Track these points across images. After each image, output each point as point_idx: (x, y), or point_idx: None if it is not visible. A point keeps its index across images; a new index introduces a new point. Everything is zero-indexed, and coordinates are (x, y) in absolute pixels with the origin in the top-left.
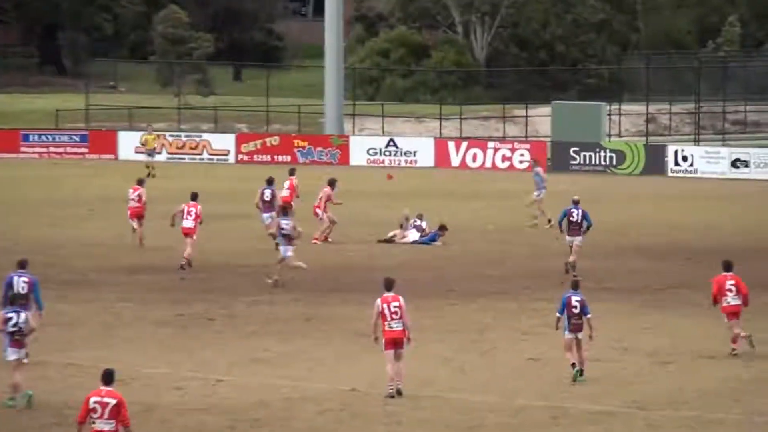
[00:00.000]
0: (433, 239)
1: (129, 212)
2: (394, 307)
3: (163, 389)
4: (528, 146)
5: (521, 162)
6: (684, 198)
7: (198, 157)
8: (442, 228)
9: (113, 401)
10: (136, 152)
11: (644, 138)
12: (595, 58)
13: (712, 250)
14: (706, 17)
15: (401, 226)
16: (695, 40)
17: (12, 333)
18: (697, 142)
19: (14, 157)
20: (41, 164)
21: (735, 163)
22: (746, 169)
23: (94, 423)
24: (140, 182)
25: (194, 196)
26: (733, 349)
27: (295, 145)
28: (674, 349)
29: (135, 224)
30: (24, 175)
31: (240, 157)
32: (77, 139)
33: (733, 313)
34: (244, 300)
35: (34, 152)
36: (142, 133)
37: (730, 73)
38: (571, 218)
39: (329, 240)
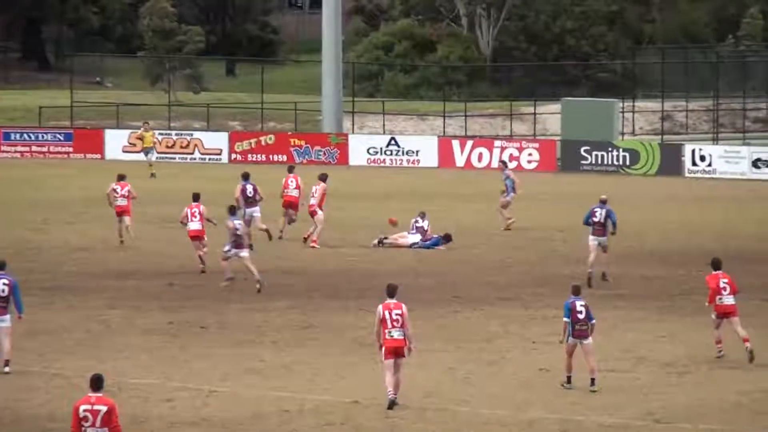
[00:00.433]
0: (436, 244)
1: (116, 210)
2: (396, 314)
3: (152, 401)
4: (537, 145)
5: (529, 162)
6: (702, 200)
7: (189, 156)
8: (447, 238)
9: (104, 408)
10: (124, 152)
11: (659, 136)
12: (608, 52)
13: (732, 255)
14: (724, 9)
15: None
16: (713, 33)
17: None
18: (715, 140)
19: None
20: (23, 164)
21: (756, 163)
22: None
23: None
24: (122, 177)
25: (196, 197)
26: (719, 351)
27: (292, 143)
28: (691, 359)
29: (128, 221)
30: (5, 176)
31: (233, 156)
32: (61, 137)
33: (729, 313)
34: (237, 307)
35: (15, 152)
36: (129, 131)
37: (751, 68)
38: (594, 218)
39: (312, 241)
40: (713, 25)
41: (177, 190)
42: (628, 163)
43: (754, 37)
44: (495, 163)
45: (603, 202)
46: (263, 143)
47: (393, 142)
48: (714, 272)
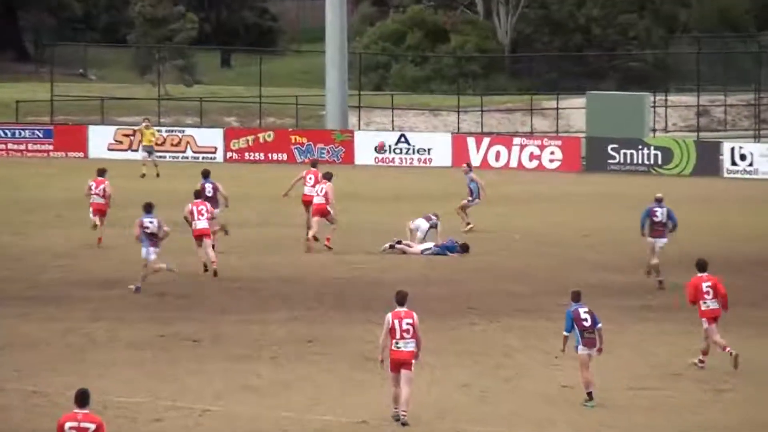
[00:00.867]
0: (450, 249)
1: (92, 208)
2: (407, 324)
3: (140, 421)
4: (559, 143)
5: (552, 161)
6: (741, 202)
7: (181, 154)
8: (465, 248)
9: (92, 426)
10: (109, 149)
11: (695, 133)
12: (637, 41)
13: None
14: None
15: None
16: (754, 21)
17: None
18: (757, 138)
19: None
20: None
21: None
22: None
23: None
24: (102, 173)
25: (198, 194)
26: (701, 361)
27: (293, 141)
28: (731, 374)
29: (97, 221)
30: None
31: (229, 155)
32: (41, 134)
33: (713, 318)
34: (233, 319)
35: None
36: (115, 128)
37: None
38: (654, 218)
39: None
40: (754, 11)
41: (167, 192)
42: (660, 162)
43: None
44: (514, 163)
45: (659, 201)
46: (261, 141)
47: (403, 139)
48: (699, 275)
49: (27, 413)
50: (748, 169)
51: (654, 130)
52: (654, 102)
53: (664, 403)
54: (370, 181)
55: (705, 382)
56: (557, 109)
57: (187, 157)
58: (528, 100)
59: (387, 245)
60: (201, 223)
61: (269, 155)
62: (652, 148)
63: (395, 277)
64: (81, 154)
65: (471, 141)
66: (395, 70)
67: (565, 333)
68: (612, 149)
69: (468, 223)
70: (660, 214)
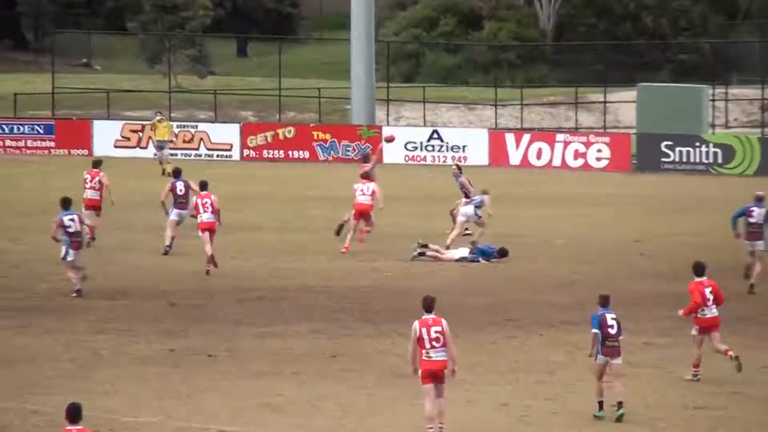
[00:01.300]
0: (487, 255)
1: (84, 203)
2: (436, 332)
3: None
4: (607, 140)
5: (599, 160)
6: None
7: (194, 152)
8: (503, 252)
9: None
10: (116, 147)
11: (759, 129)
12: (693, 30)
13: None
14: None
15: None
16: None
17: None
18: None
19: None
20: None
21: None
22: None
23: None
24: (97, 164)
25: (204, 185)
26: (695, 374)
27: (315, 137)
28: None
29: (91, 220)
30: None
31: (246, 152)
32: (41, 130)
33: (713, 326)
34: (251, 331)
35: None
36: (122, 123)
37: None
38: (750, 218)
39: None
40: None
41: None
42: (720, 161)
43: None
44: (557, 161)
45: (760, 200)
46: (281, 137)
47: (435, 135)
48: (697, 279)
49: None
50: None
51: (713, 126)
52: (713, 95)
53: (725, 424)
54: (399, 181)
55: None
56: (605, 102)
57: (200, 155)
58: (572, 92)
59: (416, 251)
60: (206, 216)
61: (289, 153)
62: (711, 145)
63: (426, 286)
64: (85, 152)
65: (510, 137)
66: (429, 59)
67: (594, 330)
68: (666, 147)
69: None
70: (757, 214)
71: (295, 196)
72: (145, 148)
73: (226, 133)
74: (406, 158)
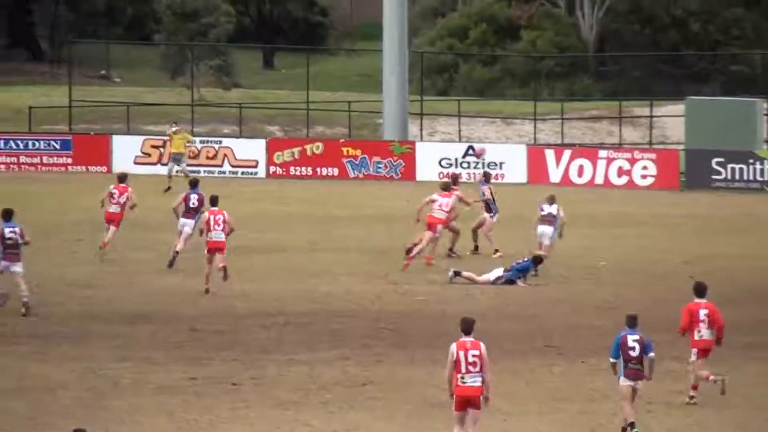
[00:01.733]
0: (524, 270)
1: (105, 216)
2: (473, 356)
3: None
4: (653, 156)
5: (644, 177)
6: None
7: (217, 169)
8: (538, 260)
9: None
10: (136, 163)
11: None
12: (745, 39)
13: None
14: None
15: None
16: None
17: None
18: None
19: None
20: (9, 179)
21: None
22: None
23: None
24: (123, 179)
25: (214, 201)
26: (692, 397)
27: (344, 153)
28: None
29: (110, 234)
30: None
31: (272, 169)
32: (57, 145)
33: (704, 350)
34: (277, 358)
35: (0, 163)
36: (143, 138)
37: None
38: None
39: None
40: None
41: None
42: None
43: None
44: (600, 179)
45: None
46: (309, 153)
47: (471, 151)
48: (696, 300)
49: None
50: None
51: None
52: (767, 109)
53: None
54: None
55: None
56: (651, 117)
57: (224, 172)
58: (616, 106)
59: (451, 273)
60: (217, 235)
61: (317, 170)
62: (765, 162)
63: (462, 310)
64: (104, 168)
65: (549, 153)
66: (464, 71)
67: (611, 359)
68: (717, 164)
69: (496, 250)
70: None
71: (323, 215)
72: (166, 164)
73: (252, 149)
74: (441, 175)
